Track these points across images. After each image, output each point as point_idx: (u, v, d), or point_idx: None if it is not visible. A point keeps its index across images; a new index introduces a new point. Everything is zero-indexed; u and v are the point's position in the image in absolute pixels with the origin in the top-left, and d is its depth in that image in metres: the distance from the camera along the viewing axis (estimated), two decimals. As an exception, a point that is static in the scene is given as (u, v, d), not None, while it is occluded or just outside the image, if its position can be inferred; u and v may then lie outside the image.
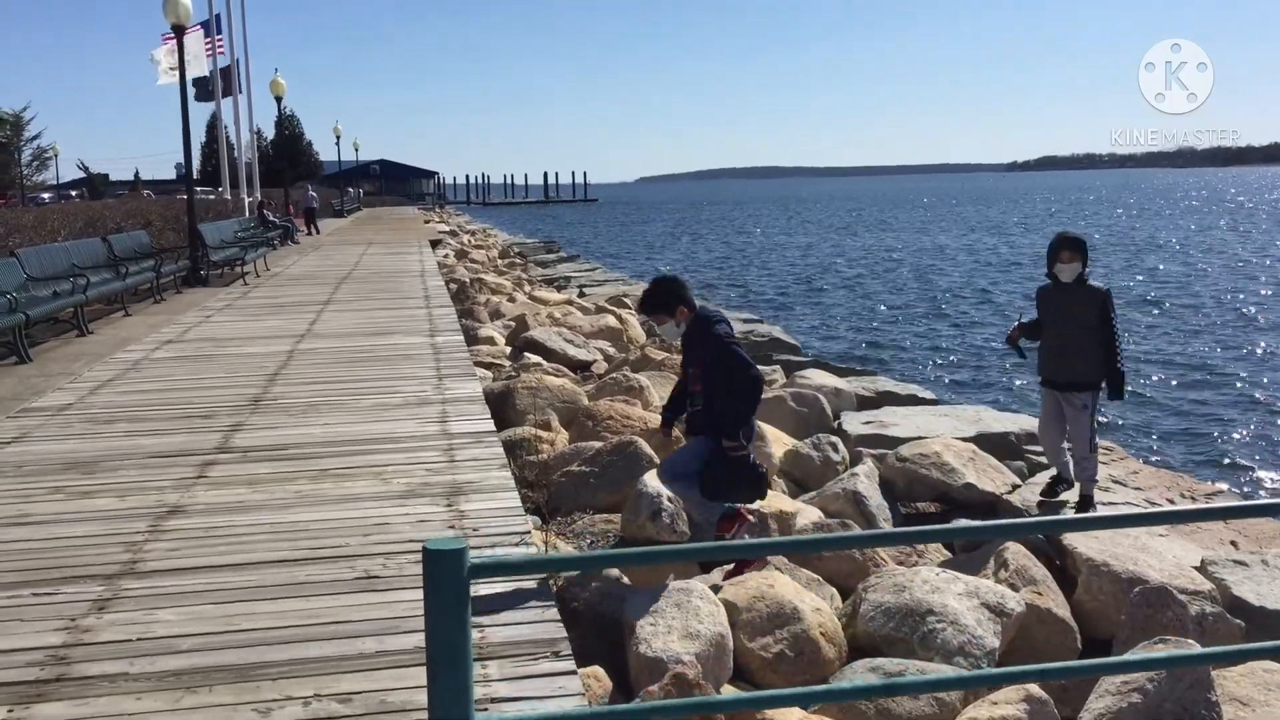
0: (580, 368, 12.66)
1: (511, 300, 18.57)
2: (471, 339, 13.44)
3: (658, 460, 6.77)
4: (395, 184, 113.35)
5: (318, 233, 37.53)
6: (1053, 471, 7.30)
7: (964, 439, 8.29)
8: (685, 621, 4.45)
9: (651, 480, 6.08)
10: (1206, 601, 4.96)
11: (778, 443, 8.12)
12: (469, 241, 39.54)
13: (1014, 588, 5.31)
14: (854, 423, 9.15)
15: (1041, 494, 7.03)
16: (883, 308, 26.53)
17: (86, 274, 13.80)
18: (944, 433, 8.59)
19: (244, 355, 11.17)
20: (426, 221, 51.20)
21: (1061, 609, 5.25)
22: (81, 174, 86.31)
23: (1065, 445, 6.98)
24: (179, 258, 19.35)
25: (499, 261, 31.78)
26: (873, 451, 8.03)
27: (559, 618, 4.38)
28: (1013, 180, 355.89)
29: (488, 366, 11.88)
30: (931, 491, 7.34)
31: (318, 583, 4.76)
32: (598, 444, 7.47)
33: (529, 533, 5.39)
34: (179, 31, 20.47)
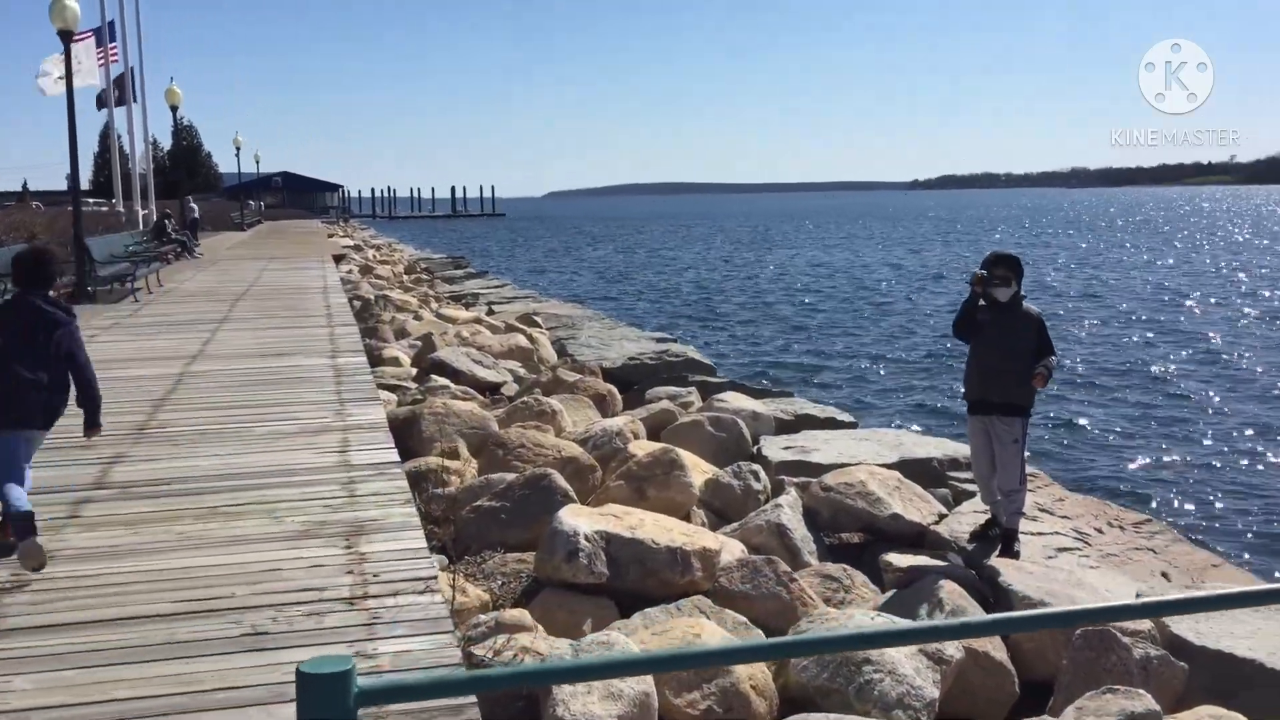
0: (489, 389, 12.24)
1: (418, 318, 18.02)
2: (375, 359, 12.91)
3: (573, 494, 6.41)
4: (299, 197, 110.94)
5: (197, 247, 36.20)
6: (981, 505, 7.11)
7: (887, 465, 8.10)
8: (606, 680, 4.09)
9: (568, 517, 5.72)
10: (1147, 643, 4.78)
11: (696, 470, 7.81)
12: (374, 256, 38.65)
13: (950, 629, 5.06)
14: (774, 448, 8.90)
15: (973, 534, 6.81)
16: (796, 326, 26.51)
17: (-41, 291, 12.92)
18: (866, 458, 8.39)
19: (129, 379, 10.49)
20: (330, 235, 50.05)
21: (999, 652, 5.02)
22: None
23: (996, 480, 6.75)
24: (63, 273, 18.34)
25: (405, 277, 31.05)
26: (795, 480, 7.77)
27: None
28: (915, 198, 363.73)
29: (392, 389, 11.38)
30: (857, 522, 7.11)
31: (200, 641, 4.29)
32: (509, 476, 7.08)
33: (434, 577, 4.98)
34: (66, 38, 19.51)
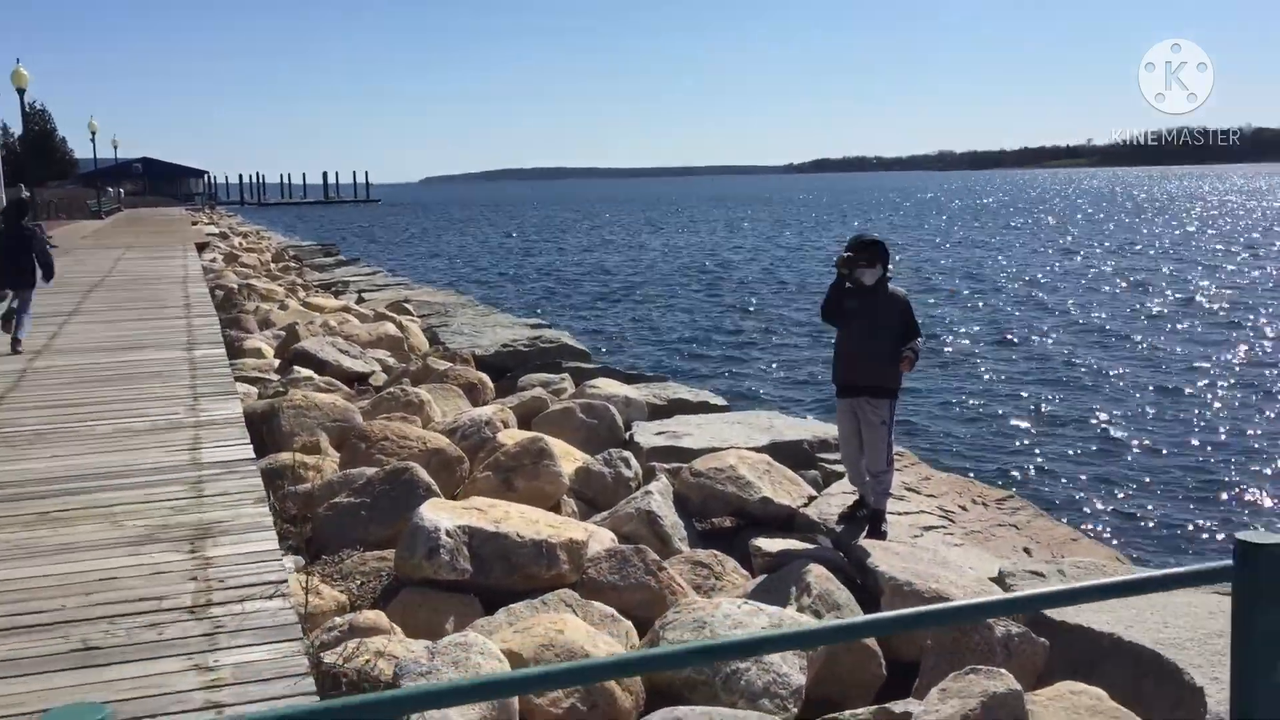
0: (356, 380, 11.87)
1: (283, 308, 17.42)
2: (236, 351, 12.42)
3: (437, 488, 6.20)
4: (161, 183, 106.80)
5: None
6: (850, 487, 7.14)
7: (757, 448, 8.07)
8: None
9: (429, 513, 5.51)
10: (1009, 620, 4.81)
11: (567, 458, 7.67)
12: (240, 244, 37.39)
13: (818, 614, 5.04)
14: (646, 434, 8.80)
15: (841, 516, 6.82)
16: (673, 311, 26.51)
17: None
18: (737, 442, 8.36)
19: (-36, 376, 9.84)
20: (194, 223, 48.28)
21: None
22: None
23: (864, 462, 6.77)
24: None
25: (272, 266, 30.11)
26: (666, 466, 7.69)
27: (314, 688, 3.78)
28: (790, 181, 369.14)
29: (253, 382, 10.95)
30: (727, 507, 7.06)
31: (24, 658, 3.98)
32: (369, 470, 6.82)
33: (284, 581, 4.73)
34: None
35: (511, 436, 8.14)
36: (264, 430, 8.35)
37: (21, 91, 36.18)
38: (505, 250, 52.74)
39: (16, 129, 66.15)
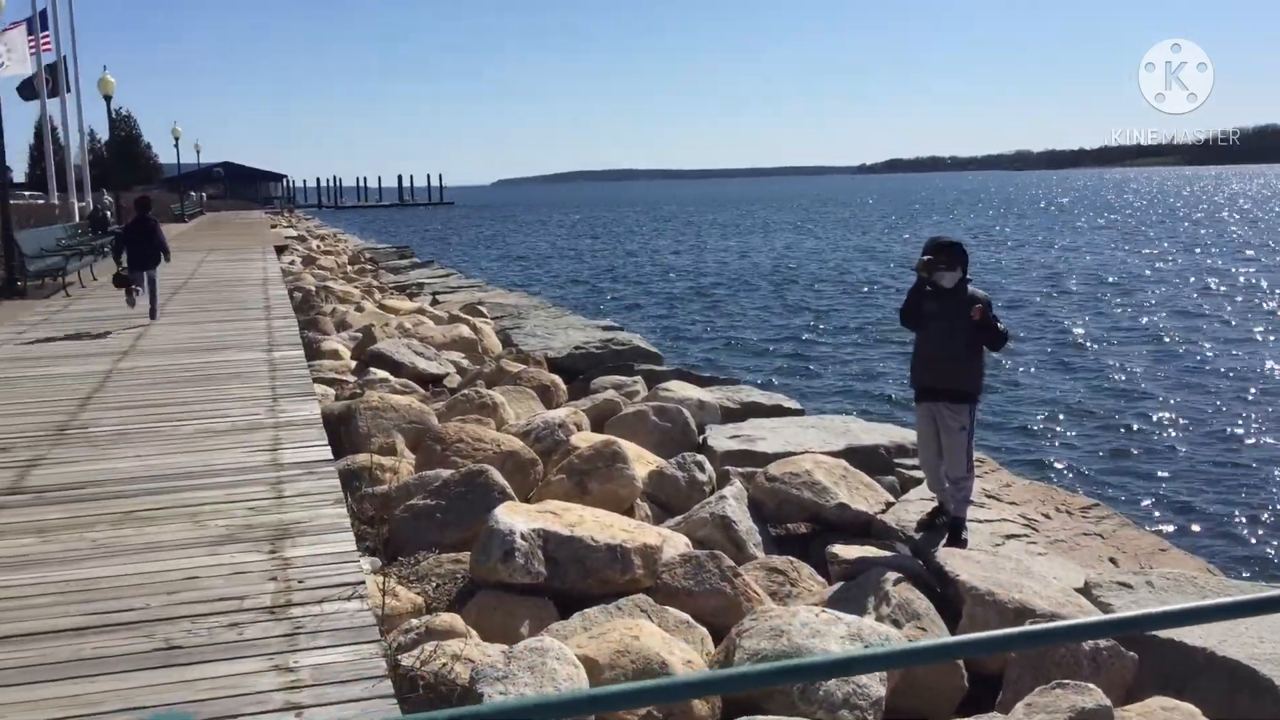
0: (431, 382, 11.97)
1: (360, 309, 17.66)
2: (314, 353, 12.59)
3: (511, 491, 6.20)
4: (241, 187, 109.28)
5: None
6: (928, 493, 7.00)
7: (833, 453, 7.97)
8: (541, 688, 3.90)
9: (504, 516, 5.51)
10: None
11: (640, 461, 7.63)
12: (317, 247, 38.05)
13: (897, 624, 4.94)
14: (719, 437, 8.74)
15: (920, 523, 6.70)
16: (743, 313, 26.34)
17: (-126, 288, 12.41)
18: (813, 446, 8.26)
19: (55, 376, 10.12)
20: (273, 226, 49.27)
21: (947, 644, 4.88)
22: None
23: (943, 468, 6.63)
24: (-9, 268, 17.80)
25: (348, 268, 30.57)
26: (740, 470, 7.61)
27: (392, 691, 3.78)
28: (862, 182, 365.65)
29: (330, 383, 11.08)
30: (803, 512, 6.97)
31: (108, 657, 4.04)
32: (444, 473, 6.85)
33: (362, 582, 4.75)
34: (-12, 23, 18.87)
35: (584, 439, 8.13)
36: (341, 431, 8.45)
37: (108, 98, 37.21)
38: (576, 252, 52.97)
39: (104, 135, 68.12)
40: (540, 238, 68.88)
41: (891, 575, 5.40)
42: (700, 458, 7.65)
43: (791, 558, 6.23)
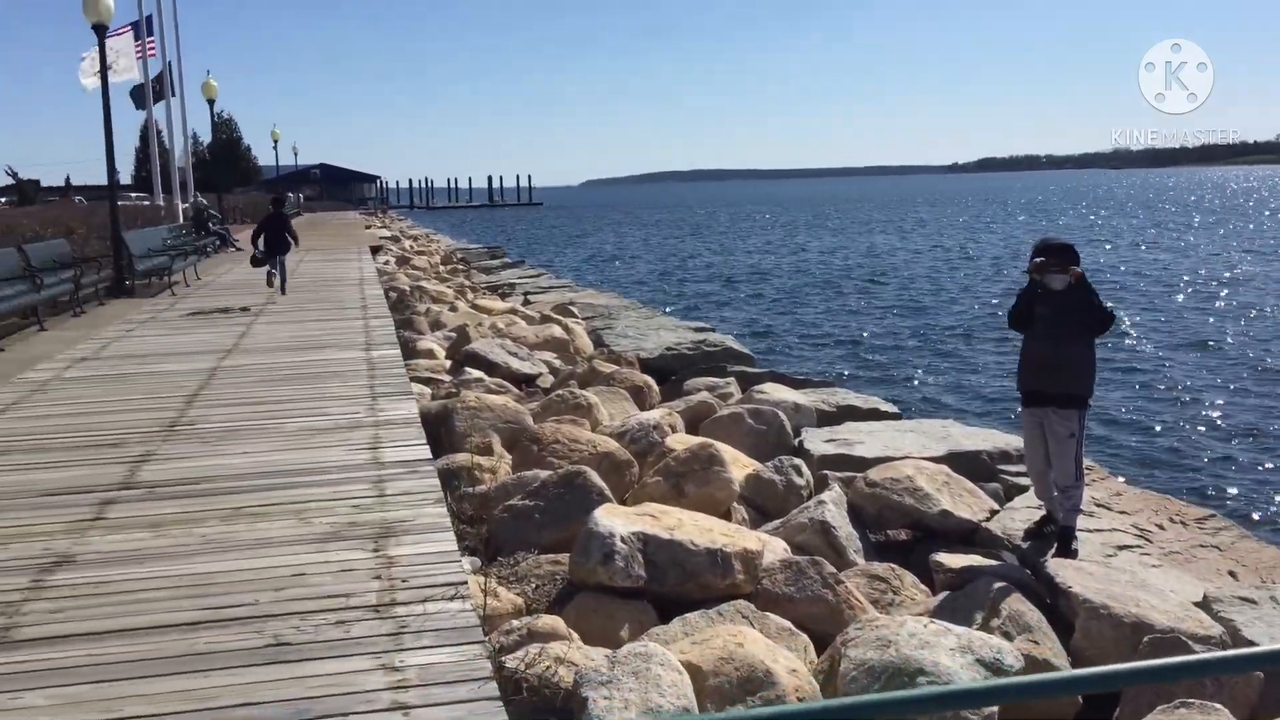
0: (525, 382, 12.05)
1: (453, 309, 17.87)
2: (410, 352, 12.76)
3: (609, 492, 6.19)
4: (336, 188, 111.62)
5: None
6: (1035, 501, 6.81)
7: (934, 458, 7.81)
8: (645, 694, 3.87)
9: (604, 518, 5.49)
10: (1218, 649, 4.48)
11: (736, 464, 7.56)
12: (411, 247, 38.65)
13: (1008, 636, 4.80)
14: (816, 441, 8.63)
15: (1027, 532, 6.52)
16: (834, 314, 26.03)
17: (-5, 287, 12.93)
18: (912, 451, 8.11)
19: (163, 374, 10.41)
20: (367, 227, 50.20)
21: (1060, 659, 4.75)
22: (10, 180, 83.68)
23: (1052, 475, 6.44)
24: (102, 267, 18.40)
25: (441, 268, 30.99)
26: (839, 474, 7.50)
27: (497, 693, 3.78)
28: (954, 182, 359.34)
29: (426, 382, 11.22)
30: (904, 519, 6.84)
31: (220, 652, 4.11)
32: (543, 473, 6.87)
33: (464, 583, 4.77)
34: (100, 32, 19.52)
35: (680, 441, 8.09)
36: (439, 430, 8.53)
37: (211, 102, 38.27)
38: (664, 252, 52.99)
39: (206, 138, 70.09)
40: (628, 238, 69.06)
41: (1000, 585, 5.25)
42: (798, 461, 7.55)
43: (893, 565, 6.11)
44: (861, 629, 4.65)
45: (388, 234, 44.49)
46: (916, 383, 16.69)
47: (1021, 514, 6.82)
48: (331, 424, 8.00)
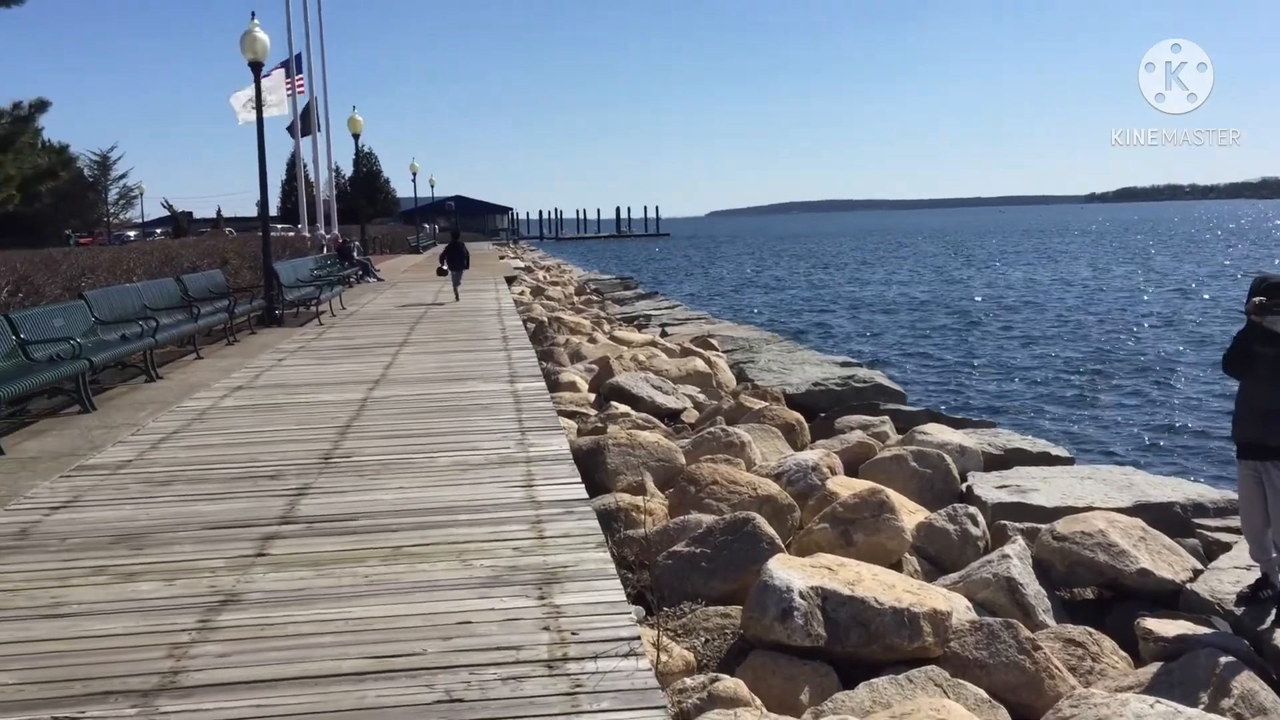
0: (669, 416, 11.80)
1: (592, 341, 17.79)
2: (553, 384, 12.66)
3: (779, 540, 5.86)
4: (470, 219, 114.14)
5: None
6: (1244, 560, 6.20)
7: (1120, 509, 7.25)
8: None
9: (780, 570, 5.16)
10: None
11: (903, 511, 7.14)
12: (544, 278, 39.04)
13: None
14: (986, 487, 8.13)
15: (1241, 597, 5.91)
16: (984, 347, 25.01)
17: (157, 316, 13.31)
18: (1094, 500, 7.57)
19: (315, 404, 10.50)
20: (501, 257, 51.03)
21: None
22: (166, 212, 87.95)
23: (1270, 534, 5.84)
24: (253, 297, 18.93)
25: (575, 299, 31.13)
26: (1019, 525, 7.02)
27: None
28: (1093, 212, 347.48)
29: (571, 415, 11.07)
30: (1097, 577, 6.31)
31: (391, 706, 3.92)
32: (706, 518, 6.58)
33: (637, 638, 4.49)
34: (256, 69, 20.18)
35: (841, 484, 7.72)
36: (590, 467, 8.32)
37: (356, 136, 39.42)
38: (796, 282, 52.39)
39: (348, 170, 72.43)
40: (758, 268, 68.58)
41: (1224, 659, 4.74)
42: (972, 510, 7.09)
43: (1089, 629, 5.61)
44: (1076, 706, 4.21)
45: (521, 264, 45.10)
46: (1084, 424, 15.68)
47: (1229, 575, 6.22)
48: (483, 459, 7.86)
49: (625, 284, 38.27)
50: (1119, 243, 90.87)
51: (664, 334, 20.63)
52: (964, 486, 8.37)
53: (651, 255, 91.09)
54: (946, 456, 8.53)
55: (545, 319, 20.91)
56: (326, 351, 14.96)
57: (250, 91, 31.12)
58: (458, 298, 23.12)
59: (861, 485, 7.60)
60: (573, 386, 12.98)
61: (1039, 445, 9.84)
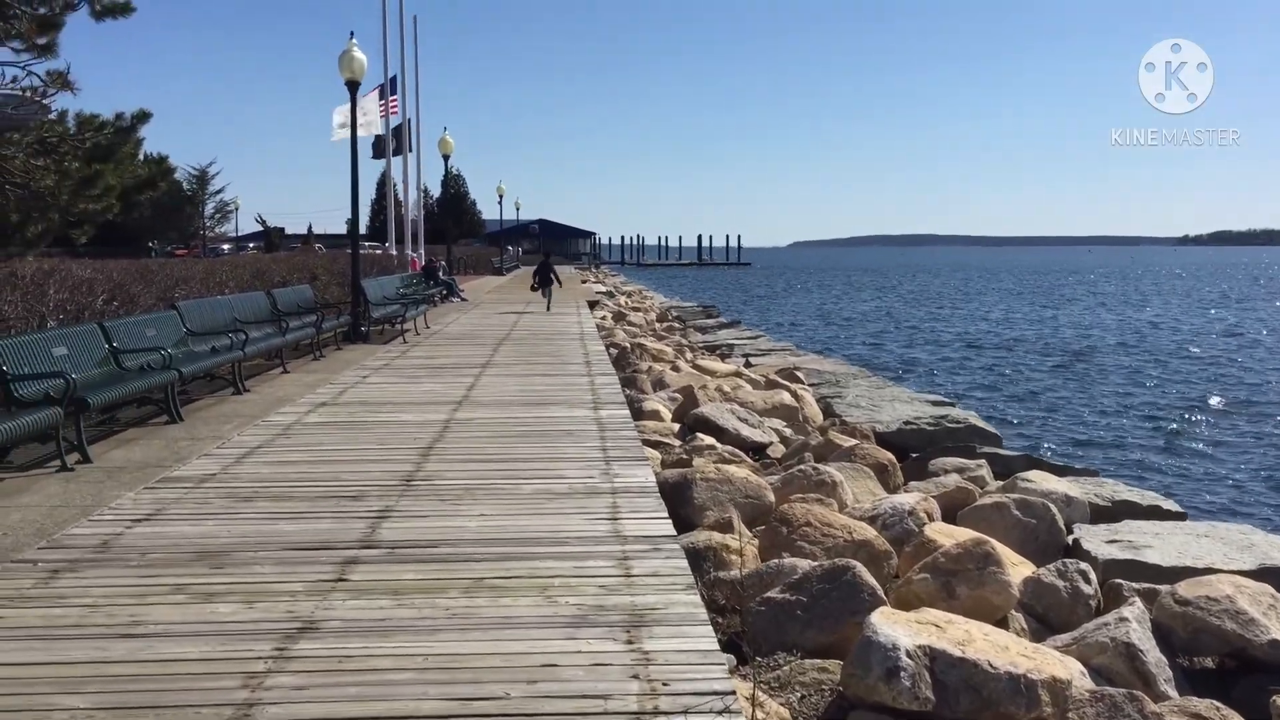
0: (754, 450, 11.48)
1: (675, 369, 17.53)
2: (636, 412, 12.43)
3: (880, 591, 5.52)
4: (553, 243, 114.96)
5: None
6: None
7: (1241, 571, 6.77)
8: None
9: (883, 624, 4.83)
10: None
11: (1008, 563, 6.74)
12: (626, 303, 38.94)
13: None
14: (1094, 541, 7.68)
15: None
16: (1079, 389, 24.09)
17: (247, 329, 13.38)
18: (1213, 561, 7.11)
19: (398, 423, 10.40)
20: (584, 281, 51.10)
21: None
22: (259, 227, 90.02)
23: None
24: (340, 313, 19.06)
25: (657, 325, 30.93)
26: (1135, 585, 6.58)
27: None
28: (1186, 255, 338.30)
29: (654, 445, 10.81)
30: (1223, 646, 5.86)
31: (472, 755, 3.69)
32: (802, 563, 6.26)
33: (732, 693, 4.21)
34: (353, 88, 20.42)
35: (940, 531, 7.35)
36: (676, 501, 8.05)
37: (447, 158, 39.82)
38: (877, 315, 51.62)
39: (435, 191, 73.38)
40: (841, 300, 67.83)
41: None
42: (1084, 566, 6.66)
43: (1216, 703, 5.18)
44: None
45: (603, 289, 45.07)
46: (1192, 475, 14.89)
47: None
48: (568, 488, 7.65)
49: (707, 312, 37.99)
50: (1213, 285, 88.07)
51: (748, 364, 20.30)
52: (1070, 539, 7.94)
53: (734, 283, 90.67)
54: (1052, 506, 8.09)
55: (628, 345, 20.72)
56: (410, 370, 14.93)
57: (346, 109, 31.69)
58: (549, 309, 26.59)
59: (962, 533, 7.23)
60: (656, 415, 12.74)
61: (1148, 498, 9.33)
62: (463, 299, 32.35)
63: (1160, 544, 7.57)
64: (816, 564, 6.09)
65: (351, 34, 20.01)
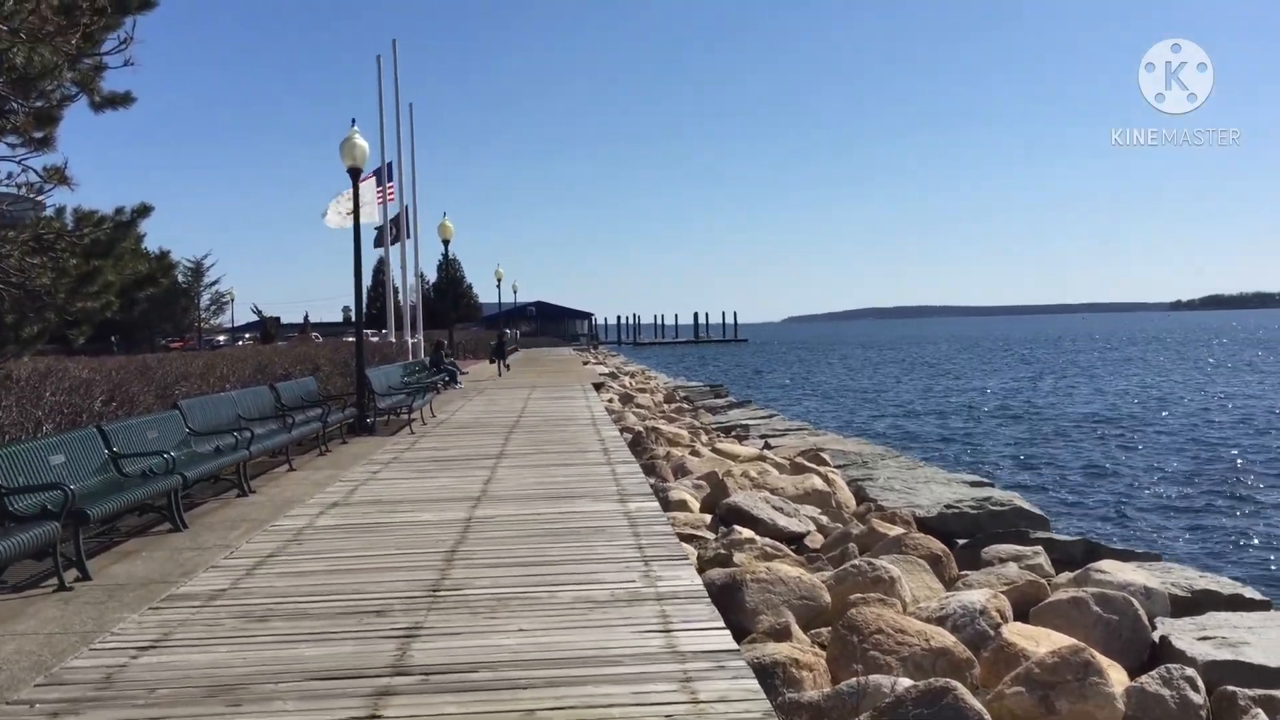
0: (790, 540, 10.84)
1: (695, 454, 16.91)
2: (663, 503, 11.80)
3: (988, 716, 4.89)
4: (550, 324, 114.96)
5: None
6: None
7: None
8: None
9: (1005, 763, 4.21)
10: None
11: (1108, 671, 6.10)
12: (630, 384, 38.40)
13: None
14: (1185, 638, 7.05)
15: None
16: (1116, 463, 23.14)
17: (252, 427, 12.80)
18: (1323, 660, 6.45)
19: (416, 524, 9.79)
20: (584, 363, 50.64)
21: None
22: (255, 317, 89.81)
23: None
24: (345, 405, 18.49)
25: (666, 407, 30.33)
26: (1249, 693, 5.94)
27: None
28: (1178, 319, 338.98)
29: (687, 539, 10.18)
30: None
31: None
32: (886, 681, 5.63)
33: None
34: (354, 175, 20.14)
35: (1018, 633, 6.73)
36: (725, 605, 7.41)
37: (446, 242, 39.59)
38: (887, 387, 51.08)
39: (432, 276, 73.34)
40: (844, 375, 67.36)
41: None
42: (1190, 672, 6.04)
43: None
44: None
45: (605, 370, 44.58)
46: (1258, 556, 14.08)
47: None
48: (609, 595, 7.02)
49: (716, 391, 37.42)
50: (1213, 352, 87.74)
51: (768, 446, 19.70)
52: (1155, 636, 7.30)
53: (733, 361, 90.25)
54: (1134, 600, 7.46)
55: (641, 429, 20.13)
56: (422, 464, 14.32)
57: (344, 196, 31.45)
58: (500, 373, 36.36)
59: (1042, 634, 6.63)
60: (684, 505, 12.11)
61: (1226, 585, 8.69)
62: (460, 385, 31.87)
63: (1258, 640, 6.95)
64: (910, 685, 5.45)
65: (353, 121, 19.86)
